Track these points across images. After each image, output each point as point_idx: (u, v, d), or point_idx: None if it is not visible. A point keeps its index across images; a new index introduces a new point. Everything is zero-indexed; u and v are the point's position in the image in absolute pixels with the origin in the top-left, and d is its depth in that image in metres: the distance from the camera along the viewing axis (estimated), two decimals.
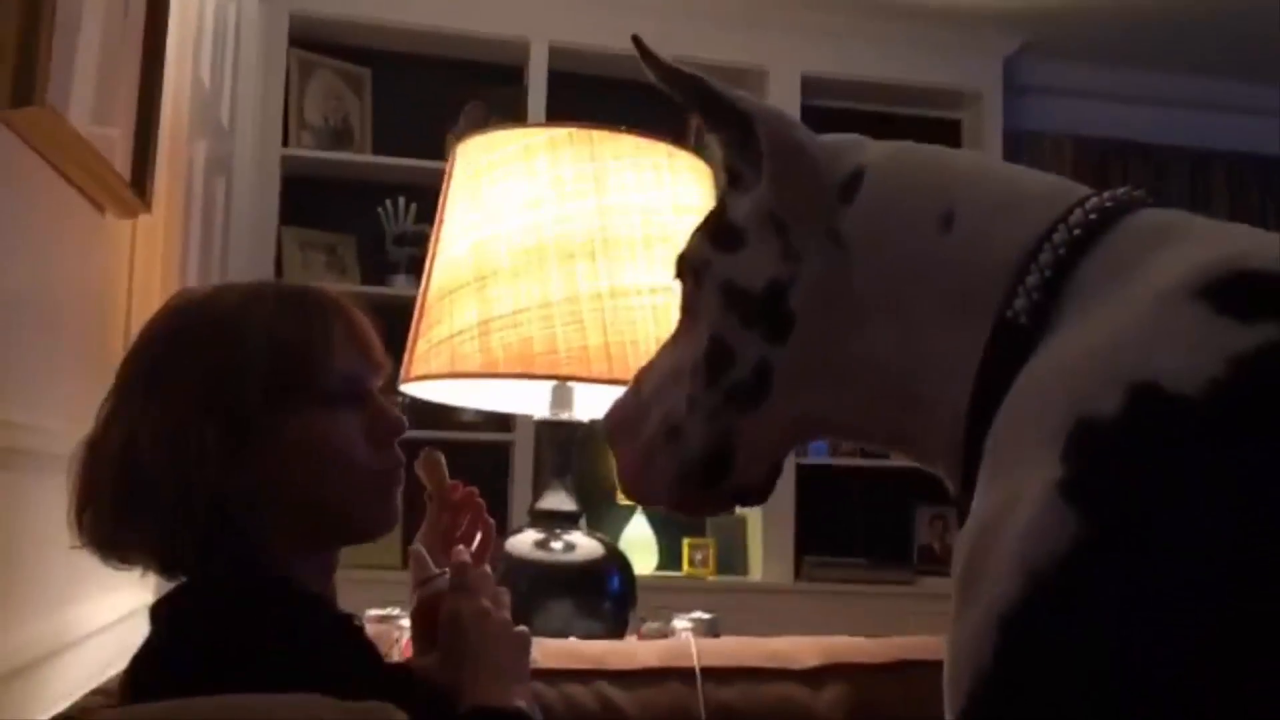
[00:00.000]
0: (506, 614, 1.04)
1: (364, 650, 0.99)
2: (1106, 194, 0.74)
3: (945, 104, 3.86)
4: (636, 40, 0.83)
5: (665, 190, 1.64)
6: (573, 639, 1.45)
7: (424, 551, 1.11)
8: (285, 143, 3.31)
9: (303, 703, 0.71)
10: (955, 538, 0.69)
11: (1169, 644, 0.56)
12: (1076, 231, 0.71)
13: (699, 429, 0.82)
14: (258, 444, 0.95)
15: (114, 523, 0.95)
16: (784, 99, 3.62)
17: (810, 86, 3.66)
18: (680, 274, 0.87)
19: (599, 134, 1.64)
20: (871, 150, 0.81)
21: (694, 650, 1.30)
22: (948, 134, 3.88)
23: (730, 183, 0.84)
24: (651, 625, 1.76)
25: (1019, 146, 3.88)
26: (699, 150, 1.76)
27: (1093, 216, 0.71)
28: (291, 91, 3.36)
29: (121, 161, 1.37)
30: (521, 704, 0.98)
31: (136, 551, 0.96)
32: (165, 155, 1.61)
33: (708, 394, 0.82)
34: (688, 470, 0.83)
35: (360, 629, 1.02)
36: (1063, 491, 0.60)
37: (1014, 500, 0.63)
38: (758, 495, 0.86)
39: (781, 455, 0.86)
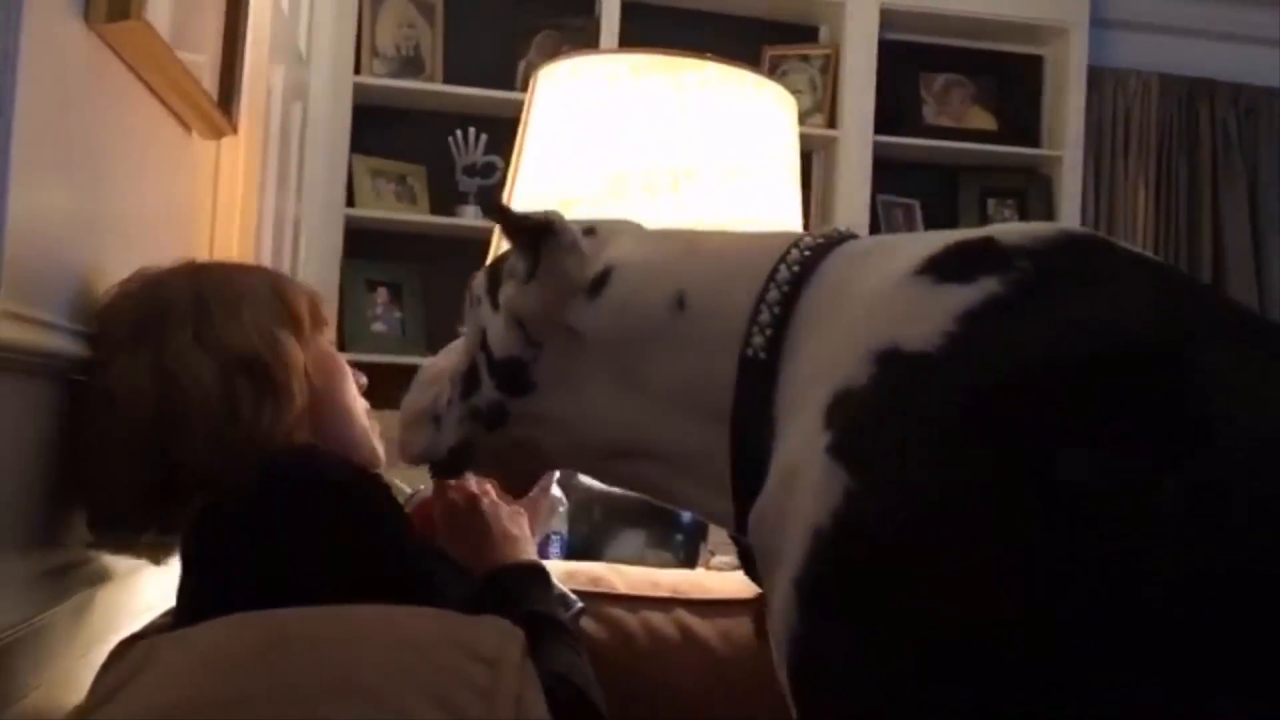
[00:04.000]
0: (494, 496, 1.15)
1: (398, 504, 1.04)
2: (816, 233, 0.83)
3: (1028, 39, 3.75)
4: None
5: (750, 120, 1.61)
6: (649, 568, 1.46)
7: (396, 481, 1.20)
8: (357, 71, 3.31)
9: (428, 616, 0.71)
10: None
11: (935, 574, 0.61)
12: (795, 268, 0.79)
13: (450, 429, 0.96)
14: (308, 355, 1.05)
15: (210, 420, 0.97)
16: (861, 31, 3.54)
17: (889, 19, 3.57)
18: (466, 289, 1.00)
19: (686, 60, 1.61)
20: (623, 245, 0.90)
21: None
22: (1030, 70, 3.78)
23: (515, 263, 0.92)
24: (722, 559, 1.77)
25: (1103, 84, 3.76)
26: (775, 82, 1.72)
27: (807, 253, 0.80)
28: (364, 19, 3.34)
29: (209, 82, 1.37)
30: (534, 558, 1.10)
31: (212, 458, 0.97)
32: (247, 79, 1.61)
33: (460, 404, 0.95)
34: (435, 455, 0.98)
35: (389, 486, 1.04)
36: (831, 452, 0.67)
37: (793, 471, 0.70)
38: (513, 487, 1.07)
39: (519, 467, 1.02)
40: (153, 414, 0.97)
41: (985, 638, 0.60)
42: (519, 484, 1.07)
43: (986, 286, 0.68)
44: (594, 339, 0.87)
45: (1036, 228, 0.74)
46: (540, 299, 0.88)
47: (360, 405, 1.13)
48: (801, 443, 0.70)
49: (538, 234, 0.89)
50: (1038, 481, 0.61)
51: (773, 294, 0.78)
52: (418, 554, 0.95)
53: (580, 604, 1.18)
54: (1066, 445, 0.61)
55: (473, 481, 1.15)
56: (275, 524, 0.86)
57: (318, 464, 0.92)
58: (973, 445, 0.63)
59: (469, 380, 0.94)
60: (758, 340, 0.78)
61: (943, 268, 0.71)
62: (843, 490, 0.65)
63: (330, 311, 1.18)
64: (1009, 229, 0.74)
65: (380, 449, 1.13)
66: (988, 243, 0.72)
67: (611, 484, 1.00)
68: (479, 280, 0.97)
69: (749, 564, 0.83)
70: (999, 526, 0.61)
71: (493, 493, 1.15)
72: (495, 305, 0.93)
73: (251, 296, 1.04)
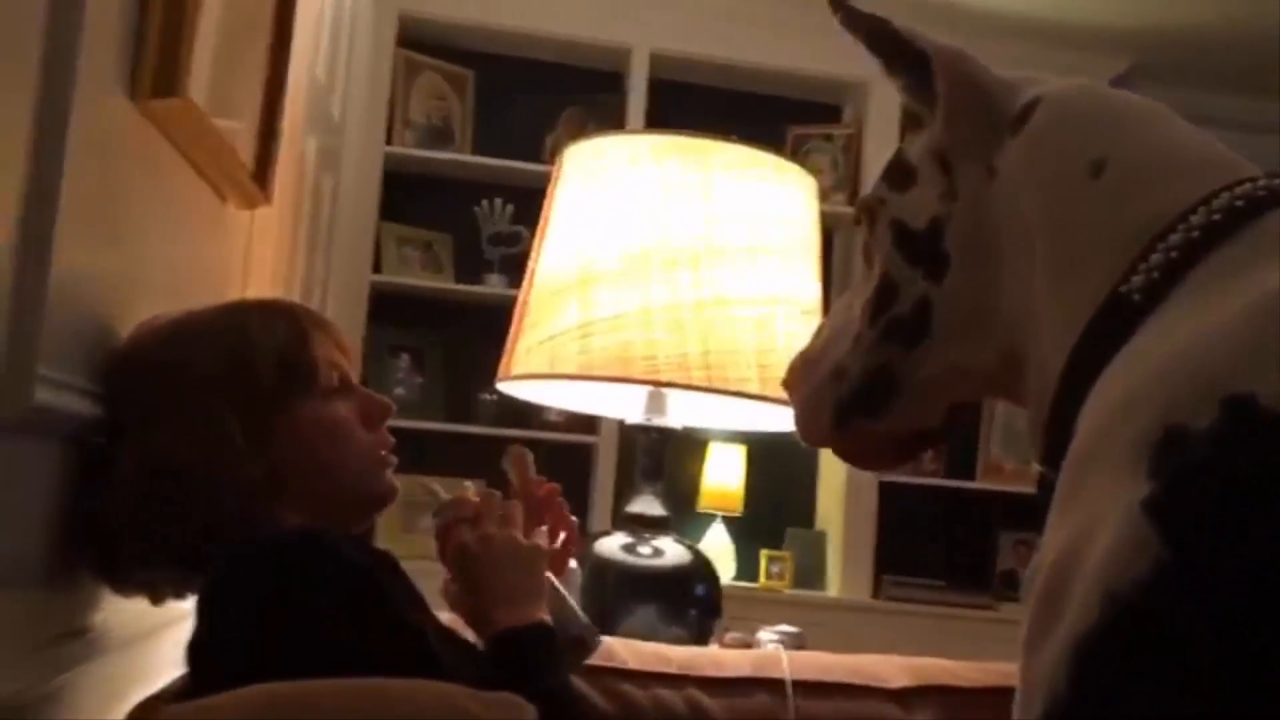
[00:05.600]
0: (516, 532, 1.07)
1: (407, 582, 1.04)
2: (1263, 181, 0.68)
3: None
4: None
5: (772, 201, 1.64)
6: (660, 644, 1.45)
7: (434, 484, 1.16)
8: (389, 140, 3.38)
9: (437, 690, 0.72)
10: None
11: (1247, 684, 0.52)
12: (1215, 217, 0.66)
13: (858, 364, 0.85)
14: (276, 430, 1.02)
15: (142, 532, 0.99)
16: (883, 111, 3.58)
17: None
18: (859, 219, 0.90)
19: (708, 143, 1.64)
20: (1054, 84, 0.81)
21: (785, 662, 1.29)
22: None
23: (909, 125, 0.87)
24: (735, 635, 1.76)
25: None
26: (799, 161, 1.76)
27: (1239, 204, 0.66)
28: (397, 90, 3.42)
29: (245, 153, 1.41)
30: (542, 617, 1.02)
31: (162, 558, 1.01)
32: (282, 150, 1.65)
33: (870, 329, 0.84)
34: (844, 402, 0.86)
35: (397, 563, 1.05)
36: (1147, 511, 0.57)
37: (1097, 521, 0.60)
38: (929, 437, 0.88)
39: (943, 402, 0.86)
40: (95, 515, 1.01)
41: None
42: (892, 459, 0.91)
43: None
44: (1005, 180, 0.77)
45: None
46: (965, 126, 0.80)
47: (363, 449, 1.08)
48: (1114, 483, 0.59)
49: (923, 55, 0.82)
50: None
51: (1177, 235, 0.65)
52: (413, 630, 0.93)
53: (601, 639, 1.16)
54: None
55: (495, 514, 1.08)
56: (246, 609, 0.91)
57: (283, 552, 0.94)
58: None
59: (879, 300, 0.84)
60: (1138, 280, 0.65)
61: None
62: (1154, 560, 0.55)
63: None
64: None
65: (393, 481, 1.10)
66: None
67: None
68: (872, 192, 0.89)
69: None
70: None
71: (518, 518, 1.08)
72: (899, 187, 0.85)
73: (206, 382, 1.02)
